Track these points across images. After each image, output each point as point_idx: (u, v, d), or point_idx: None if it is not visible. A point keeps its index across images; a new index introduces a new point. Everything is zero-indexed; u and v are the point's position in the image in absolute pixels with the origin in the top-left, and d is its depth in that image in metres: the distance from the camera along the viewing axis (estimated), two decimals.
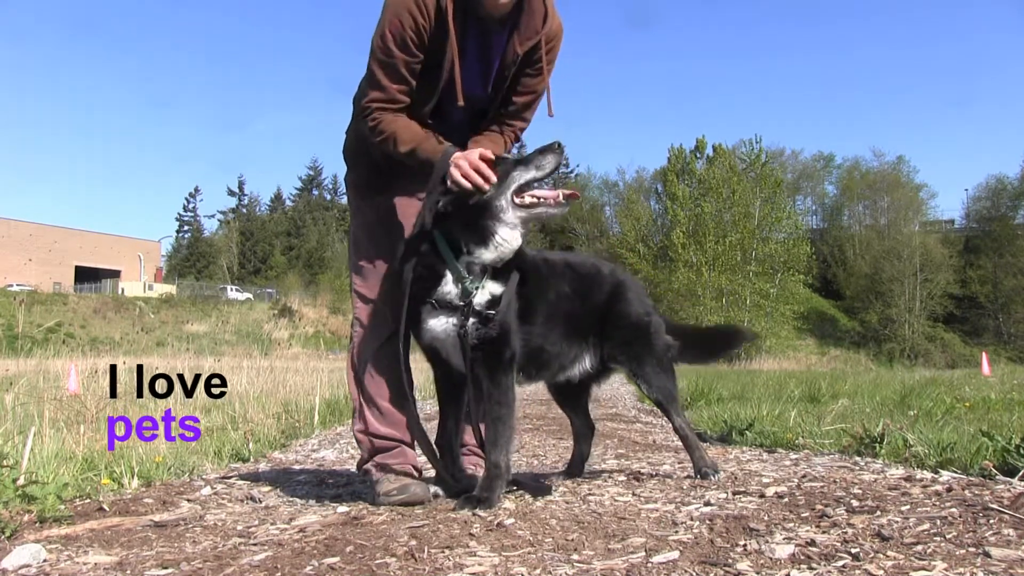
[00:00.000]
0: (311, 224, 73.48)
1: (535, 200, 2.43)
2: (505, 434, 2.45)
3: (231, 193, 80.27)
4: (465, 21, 2.46)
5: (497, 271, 2.47)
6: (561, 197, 2.43)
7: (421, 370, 3.13)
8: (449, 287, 2.44)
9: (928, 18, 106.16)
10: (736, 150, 50.96)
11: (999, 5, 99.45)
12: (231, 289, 61.59)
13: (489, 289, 2.44)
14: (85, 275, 59.38)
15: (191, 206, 78.69)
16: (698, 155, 51.35)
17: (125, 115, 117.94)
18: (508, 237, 2.43)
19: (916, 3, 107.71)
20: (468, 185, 2.37)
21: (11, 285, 50.80)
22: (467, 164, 2.37)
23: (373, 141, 2.57)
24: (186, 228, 78.72)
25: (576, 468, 3.19)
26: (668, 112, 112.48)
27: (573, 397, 3.19)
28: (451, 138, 2.56)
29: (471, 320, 2.41)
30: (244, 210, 79.50)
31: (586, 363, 2.89)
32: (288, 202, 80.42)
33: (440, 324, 2.46)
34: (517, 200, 2.42)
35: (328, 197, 79.25)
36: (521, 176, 2.43)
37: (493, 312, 2.42)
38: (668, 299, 44.04)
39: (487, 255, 2.42)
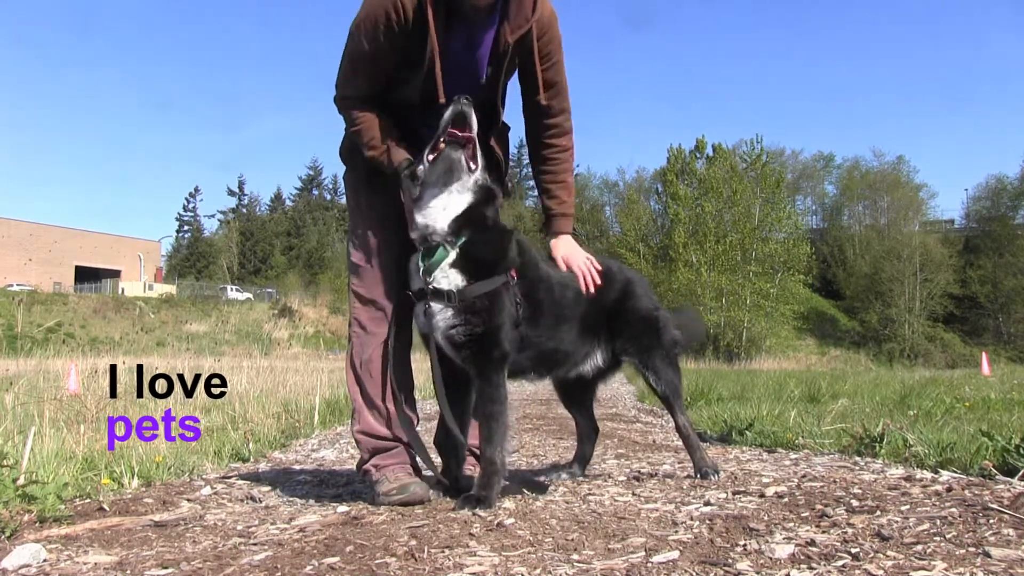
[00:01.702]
0: (311, 224, 73.49)
1: (436, 153, 2.46)
2: (499, 431, 2.45)
3: (231, 193, 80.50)
4: (449, 17, 2.46)
5: (470, 264, 2.47)
6: (446, 137, 2.45)
7: (422, 371, 3.13)
8: (412, 267, 2.54)
9: (927, 18, 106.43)
10: (736, 150, 50.94)
11: (998, 5, 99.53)
12: (231, 289, 61.57)
13: (452, 278, 2.46)
14: (85, 275, 59.37)
15: (191, 206, 78.90)
16: (698, 155, 51.23)
17: (125, 115, 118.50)
18: (427, 197, 2.48)
19: (915, 3, 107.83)
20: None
21: (11, 285, 50.80)
22: None
23: (349, 132, 2.68)
24: (186, 228, 78.90)
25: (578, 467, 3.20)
26: (668, 112, 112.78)
27: (580, 395, 3.20)
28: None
29: (432, 304, 2.46)
30: (244, 210, 79.63)
31: (597, 359, 2.92)
32: (288, 202, 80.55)
33: (421, 312, 2.53)
34: (429, 158, 2.48)
35: (328, 197, 79.29)
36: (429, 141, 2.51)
37: (453, 291, 2.44)
38: (668, 299, 43.94)
39: (420, 219, 2.48)
